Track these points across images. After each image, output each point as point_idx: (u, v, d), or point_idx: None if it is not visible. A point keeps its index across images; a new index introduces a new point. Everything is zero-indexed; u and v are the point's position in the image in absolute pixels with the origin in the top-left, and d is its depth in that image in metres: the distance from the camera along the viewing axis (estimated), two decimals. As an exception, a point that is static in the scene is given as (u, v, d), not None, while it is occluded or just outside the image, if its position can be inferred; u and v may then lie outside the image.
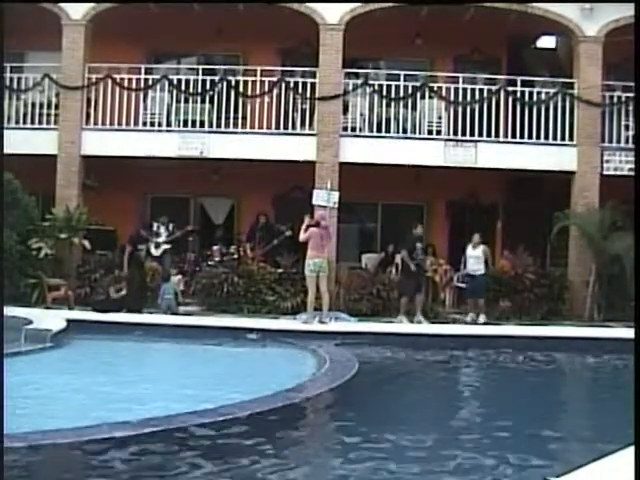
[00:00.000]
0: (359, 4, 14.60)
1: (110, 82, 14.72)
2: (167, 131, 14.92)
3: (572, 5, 14.59)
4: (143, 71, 15.21)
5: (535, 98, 14.88)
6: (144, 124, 15.06)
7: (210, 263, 14.75)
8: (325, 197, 14.24)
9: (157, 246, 14.86)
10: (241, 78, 15.06)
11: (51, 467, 5.06)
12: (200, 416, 6.02)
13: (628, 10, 13.83)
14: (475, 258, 13.68)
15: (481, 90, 14.91)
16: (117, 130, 14.74)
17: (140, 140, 14.71)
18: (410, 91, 14.87)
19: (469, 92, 14.84)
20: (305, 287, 12.69)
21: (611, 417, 6.66)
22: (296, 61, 15.99)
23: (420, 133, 14.96)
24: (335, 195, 14.31)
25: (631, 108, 14.61)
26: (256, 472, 4.98)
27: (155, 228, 15.06)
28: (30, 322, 10.53)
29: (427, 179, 15.49)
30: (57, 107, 14.87)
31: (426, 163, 14.61)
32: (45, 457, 5.06)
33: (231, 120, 14.99)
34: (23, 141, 13.94)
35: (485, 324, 13.07)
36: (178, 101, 15.28)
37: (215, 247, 15.45)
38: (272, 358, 10.38)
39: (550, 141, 14.65)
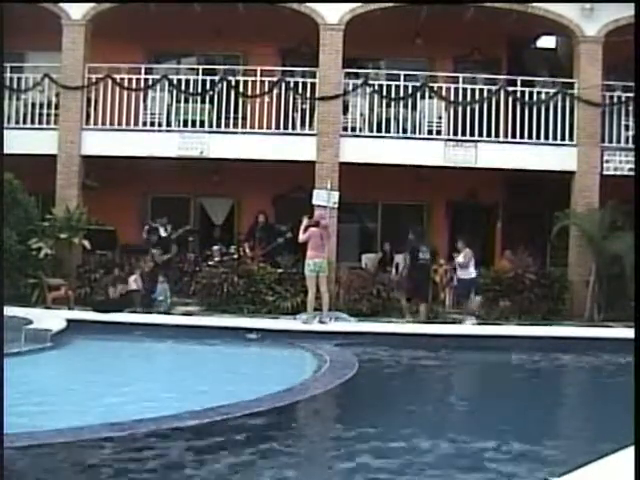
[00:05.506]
0: (359, 4, 14.60)
1: (110, 82, 14.71)
2: (167, 131, 14.91)
3: (572, 5, 14.58)
4: (143, 71, 15.20)
5: (535, 98, 14.87)
6: (144, 124, 15.05)
7: (210, 263, 14.74)
8: (325, 197, 14.24)
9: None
10: (241, 78, 15.05)
11: (51, 467, 5.06)
12: (199, 416, 6.02)
13: (628, 10, 13.81)
14: (459, 264, 13.60)
15: (481, 90, 14.89)
16: (117, 130, 14.73)
17: (140, 140, 14.69)
18: (410, 91, 14.86)
19: (469, 92, 14.83)
20: (305, 287, 12.69)
21: (611, 417, 6.66)
22: (296, 61, 15.99)
23: (420, 133, 14.96)
24: (335, 195, 14.31)
25: (631, 108, 14.60)
26: (256, 471, 4.99)
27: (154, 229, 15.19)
28: (30, 322, 10.55)
29: (427, 179, 15.49)
30: (57, 107, 14.86)
31: (426, 163, 14.60)
32: (45, 457, 5.07)
33: (231, 120, 14.99)
34: (23, 141, 13.92)
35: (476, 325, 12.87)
36: (178, 101, 15.27)
37: (215, 247, 15.45)
38: (272, 358, 10.40)
39: (550, 141, 14.63)
